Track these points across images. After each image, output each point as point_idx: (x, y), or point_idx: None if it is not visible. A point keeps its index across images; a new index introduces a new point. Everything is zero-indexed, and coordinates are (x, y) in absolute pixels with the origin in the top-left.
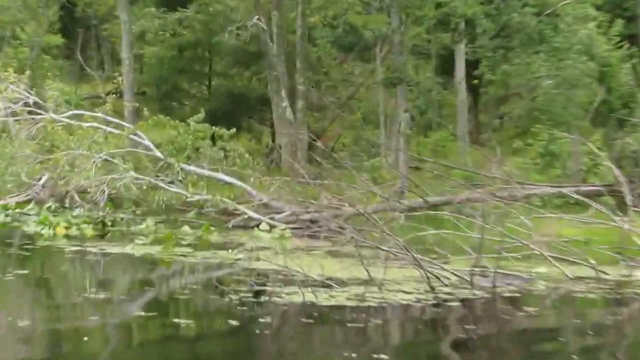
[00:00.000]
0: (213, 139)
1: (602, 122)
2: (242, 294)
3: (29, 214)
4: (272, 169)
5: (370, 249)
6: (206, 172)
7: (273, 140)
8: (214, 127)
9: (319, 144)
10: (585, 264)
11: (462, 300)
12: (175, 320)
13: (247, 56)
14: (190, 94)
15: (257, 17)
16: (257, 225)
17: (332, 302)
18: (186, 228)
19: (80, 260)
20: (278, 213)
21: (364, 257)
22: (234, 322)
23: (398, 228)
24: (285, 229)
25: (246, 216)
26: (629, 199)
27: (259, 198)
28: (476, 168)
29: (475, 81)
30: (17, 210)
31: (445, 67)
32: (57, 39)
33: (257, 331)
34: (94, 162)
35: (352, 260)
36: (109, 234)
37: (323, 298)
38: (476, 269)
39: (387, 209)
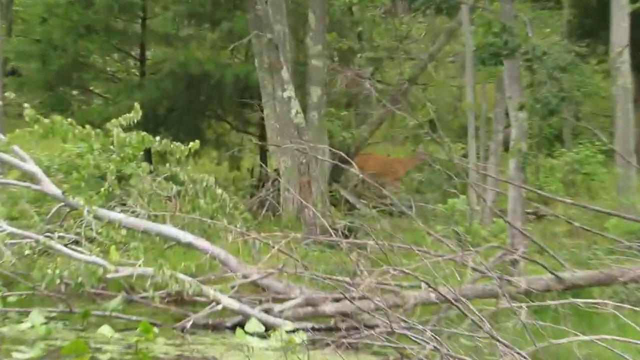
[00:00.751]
0: (150, 158)
1: None
2: None
3: None
4: (263, 217)
5: None
6: (142, 224)
7: (265, 163)
8: (157, 138)
9: (353, 168)
10: None
11: None
12: None
13: (215, 4)
14: (106, 75)
15: None
16: (241, 325)
17: None
18: (107, 329)
19: None
20: (280, 300)
21: None
22: None
23: (514, 329)
24: (295, 331)
25: (219, 306)
26: None
27: (243, 272)
28: None
29: None
30: None
31: (589, 25)
32: None
33: None
34: None
35: None
36: None
37: None
38: None
39: (489, 293)
